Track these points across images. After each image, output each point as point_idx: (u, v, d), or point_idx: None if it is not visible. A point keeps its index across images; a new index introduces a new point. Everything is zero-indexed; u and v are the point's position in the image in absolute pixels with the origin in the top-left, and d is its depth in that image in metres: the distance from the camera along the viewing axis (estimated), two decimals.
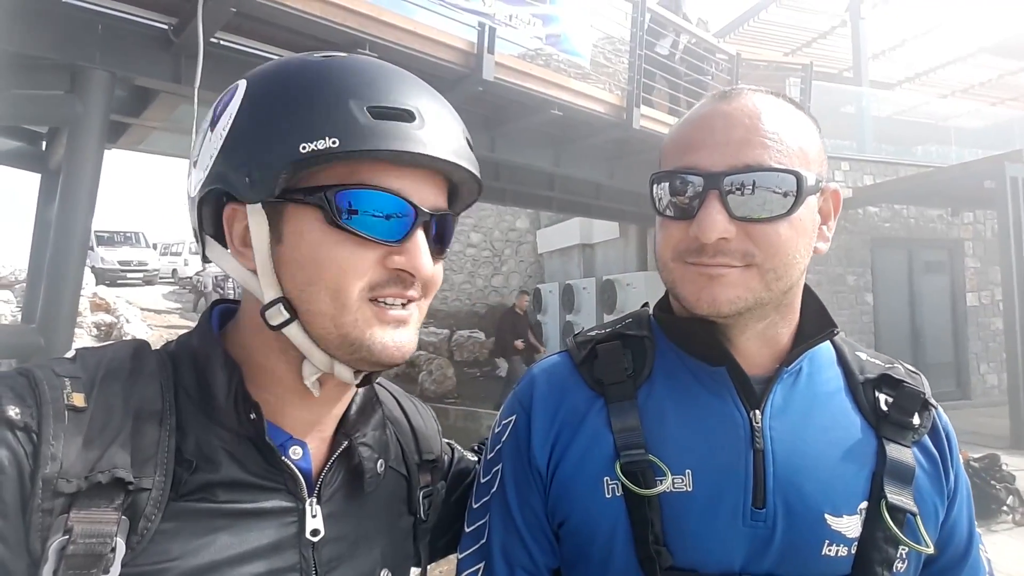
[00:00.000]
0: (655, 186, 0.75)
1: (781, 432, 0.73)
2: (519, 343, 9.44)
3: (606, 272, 12.05)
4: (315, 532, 0.65)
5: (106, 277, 17.53)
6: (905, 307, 9.79)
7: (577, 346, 0.85)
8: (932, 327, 9.89)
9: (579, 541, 0.76)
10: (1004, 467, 5.10)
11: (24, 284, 6.12)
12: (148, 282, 19.56)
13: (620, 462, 0.72)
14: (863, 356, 0.82)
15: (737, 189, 0.68)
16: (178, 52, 4.21)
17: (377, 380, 0.82)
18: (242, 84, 0.65)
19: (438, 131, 0.63)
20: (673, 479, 0.71)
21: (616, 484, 0.73)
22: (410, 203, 0.62)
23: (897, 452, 0.73)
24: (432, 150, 0.62)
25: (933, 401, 0.78)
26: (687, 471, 0.72)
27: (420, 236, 0.64)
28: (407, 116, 0.61)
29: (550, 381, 0.83)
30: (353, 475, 0.71)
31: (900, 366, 0.81)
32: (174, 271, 21.13)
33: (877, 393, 0.77)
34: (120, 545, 0.53)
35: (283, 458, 0.64)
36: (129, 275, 19.14)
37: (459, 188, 0.71)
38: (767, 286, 0.71)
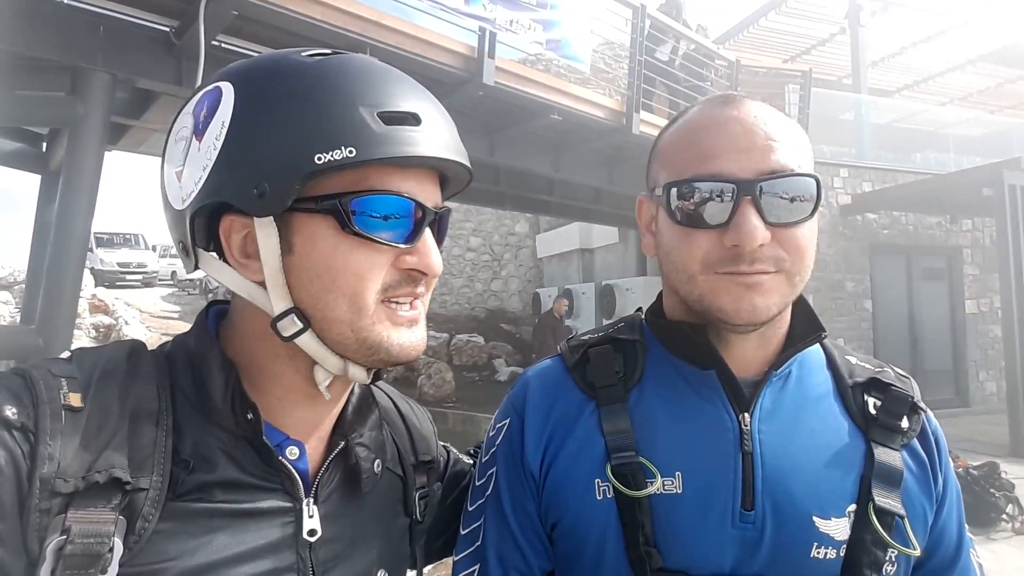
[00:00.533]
0: (673, 194, 0.72)
1: (770, 435, 0.73)
2: (561, 346, 9.48)
3: (605, 277, 12.07)
4: (312, 532, 0.65)
5: (105, 279, 17.53)
6: (904, 314, 9.81)
7: (569, 350, 0.85)
8: (931, 334, 9.90)
9: (572, 542, 0.76)
10: (1003, 475, 5.08)
11: (23, 285, 6.12)
12: (147, 284, 19.53)
13: (611, 464, 0.73)
14: (853, 360, 0.82)
15: (770, 194, 0.69)
16: (179, 54, 4.23)
17: (377, 383, 0.82)
18: (226, 87, 0.62)
19: (437, 130, 0.64)
20: (663, 481, 0.72)
21: (607, 486, 0.73)
22: (418, 203, 0.64)
23: (885, 455, 0.74)
24: (436, 151, 0.63)
25: (922, 405, 0.79)
26: (677, 473, 0.72)
27: (429, 235, 0.65)
28: (413, 120, 0.62)
29: (543, 385, 0.84)
30: (350, 475, 0.71)
31: (890, 370, 0.82)
32: (173, 273, 21.10)
33: (866, 396, 0.78)
34: (118, 545, 0.53)
35: (280, 458, 0.64)
36: (128, 277, 19.12)
37: (449, 179, 0.72)
38: (793, 290, 0.72)
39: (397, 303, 0.65)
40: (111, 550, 0.52)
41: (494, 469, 0.82)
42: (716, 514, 0.71)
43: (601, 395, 0.78)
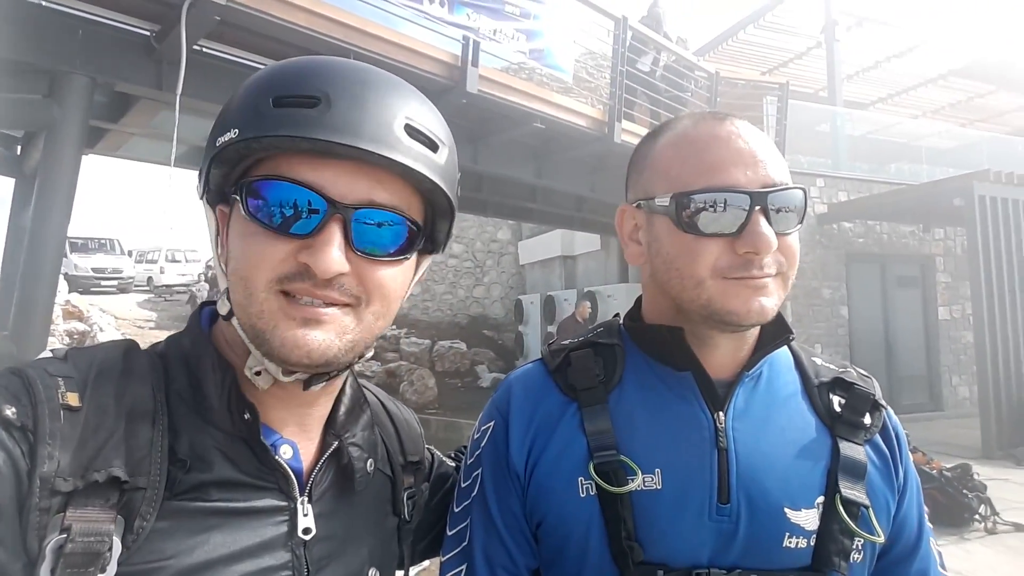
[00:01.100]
0: (683, 204, 0.74)
1: (743, 432, 0.77)
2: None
3: (587, 284, 12.15)
4: (307, 531, 0.66)
5: (79, 284, 17.10)
6: (879, 320, 10.01)
7: (551, 354, 0.88)
8: (905, 340, 10.11)
9: (556, 540, 0.78)
10: (976, 477, 5.16)
11: None
12: (123, 290, 19.14)
13: (593, 462, 0.76)
14: (818, 361, 0.87)
15: (774, 205, 0.73)
16: (160, 59, 4.19)
17: (365, 384, 0.83)
18: None
19: (350, 116, 0.58)
20: (643, 478, 0.75)
21: (590, 484, 0.76)
22: (323, 196, 0.59)
23: (850, 450, 0.78)
24: (335, 135, 0.57)
25: (883, 402, 0.83)
26: (656, 470, 0.75)
27: (332, 231, 0.59)
28: (309, 102, 0.58)
29: (526, 388, 0.86)
30: (343, 475, 0.72)
31: (852, 370, 0.86)
32: (149, 279, 20.72)
33: (831, 395, 0.82)
34: (116, 544, 0.54)
35: (275, 457, 0.65)
36: (103, 283, 18.71)
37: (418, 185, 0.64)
38: (787, 291, 0.77)
39: (295, 296, 0.61)
40: (110, 549, 0.53)
41: (480, 470, 0.84)
42: (694, 508, 0.74)
43: (582, 397, 0.81)
